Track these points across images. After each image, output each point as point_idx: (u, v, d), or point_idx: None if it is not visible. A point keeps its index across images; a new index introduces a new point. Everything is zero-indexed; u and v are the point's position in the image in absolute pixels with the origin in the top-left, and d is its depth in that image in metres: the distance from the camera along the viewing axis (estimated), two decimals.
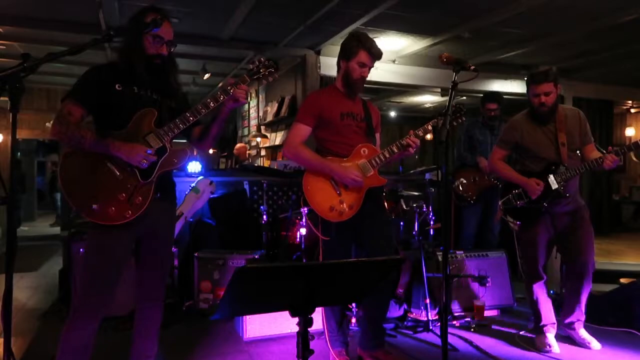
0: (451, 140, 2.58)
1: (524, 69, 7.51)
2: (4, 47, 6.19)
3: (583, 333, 3.22)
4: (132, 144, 2.07)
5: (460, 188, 4.37)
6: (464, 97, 8.70)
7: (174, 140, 2.22)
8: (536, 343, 3.19)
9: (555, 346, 3.10)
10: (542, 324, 3.18)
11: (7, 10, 5.03)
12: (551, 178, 3.03)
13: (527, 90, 3.10)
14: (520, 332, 3.42)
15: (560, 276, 3.94)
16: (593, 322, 3.57)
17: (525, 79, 3.14)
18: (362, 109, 2.81)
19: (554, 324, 3.19)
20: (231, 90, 2.20)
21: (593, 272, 3.13)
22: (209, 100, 2.19)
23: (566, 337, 3.27)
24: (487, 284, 3.73)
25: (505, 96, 8.35)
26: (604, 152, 3.01)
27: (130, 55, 2.13)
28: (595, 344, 3.15)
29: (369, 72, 2.74)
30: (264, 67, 2.29)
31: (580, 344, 3.18)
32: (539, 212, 3.09)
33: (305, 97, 2.90)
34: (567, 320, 3.23)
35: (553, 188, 3.02)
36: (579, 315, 3.21)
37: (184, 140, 2.42)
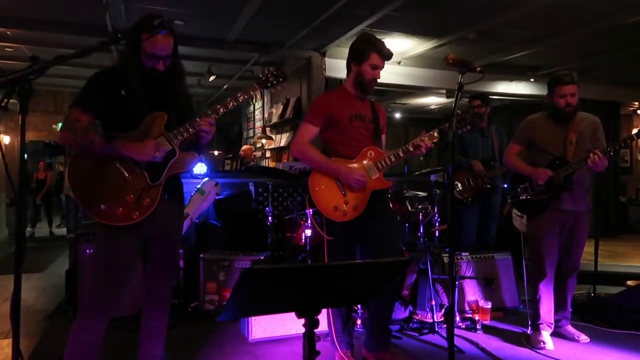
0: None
1: (530, 70, 7.48)
2: (12, 50, 6.24)
3: (570, 328, 3.34)
4: (141, 142, 2.08)
5: (456, 191, 4.41)
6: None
7: None
8: (531, 340, 3.24)
9: (549, 343, 3.16)
10: (539, 322, 3.24)
11: (14, 12, 5.07)
12: (555, 171, 3.13)
13: (552, 91, 3.15)
14: (528, 331, 3.40)
15: None
16: (600, 325, 3.57)
17: (549, 80, 3.20)
18: (370, 111, 2.81)
19: (551, 323, 3.26)
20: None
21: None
22: (217, 106, 2.21)
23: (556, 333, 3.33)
24: (493, 286, 3.72)
25: (510, 97, 8.38)
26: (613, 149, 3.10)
27: (127, 67, 2.12)
28: (583, 337, 3.26)
29: (380, 73, 2.74)
30: (272, 77, 2.37)
31: (570, 338, 3.29)
32: (544, 206, 3.17)
33: (315, 98, 2.90)
34: (555, 317, 3.31)
35: (555, 181, 3.12)
36: (565, 313, 3.34)
37: None
